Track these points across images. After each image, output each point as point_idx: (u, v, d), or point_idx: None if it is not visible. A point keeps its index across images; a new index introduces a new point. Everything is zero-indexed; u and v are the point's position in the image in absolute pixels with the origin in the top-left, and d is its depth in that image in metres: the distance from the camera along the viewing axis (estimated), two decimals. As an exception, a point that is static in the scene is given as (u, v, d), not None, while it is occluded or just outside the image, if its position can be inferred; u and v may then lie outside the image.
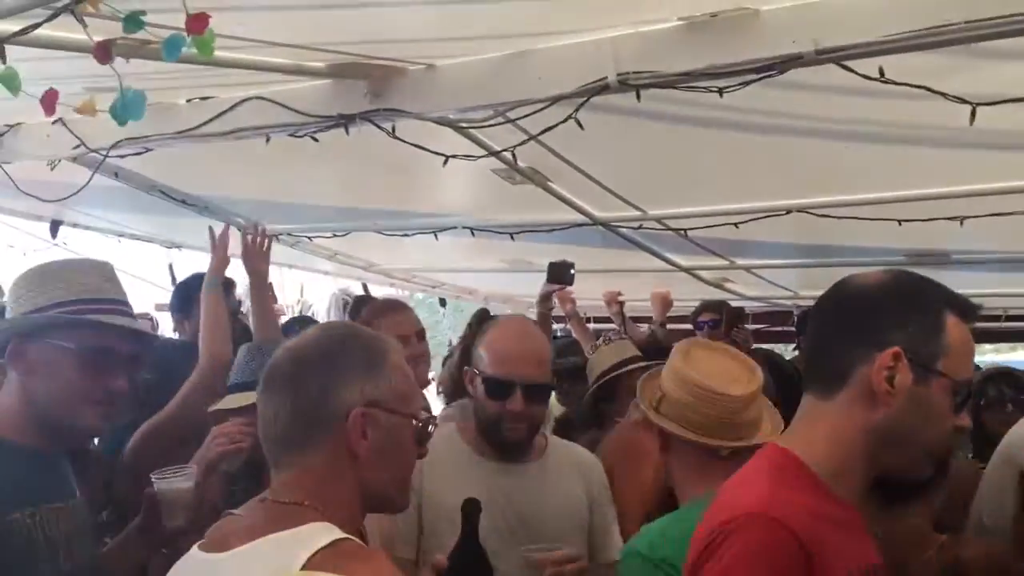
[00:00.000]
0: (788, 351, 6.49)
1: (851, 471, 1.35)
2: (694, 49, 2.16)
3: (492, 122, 2.59)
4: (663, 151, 3.19)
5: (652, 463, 2.40)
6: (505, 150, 2.90)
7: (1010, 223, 3.35)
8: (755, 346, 5.24)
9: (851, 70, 2.03)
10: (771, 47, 2.06)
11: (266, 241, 3.52)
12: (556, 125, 2.45)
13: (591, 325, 6.00)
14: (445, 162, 2.77)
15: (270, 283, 6.62)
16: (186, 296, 3.95)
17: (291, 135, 2.76)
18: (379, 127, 2.64)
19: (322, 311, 6.91)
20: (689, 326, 5.33)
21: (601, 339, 3.88)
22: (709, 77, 2.16)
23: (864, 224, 3.59)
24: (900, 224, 3.54)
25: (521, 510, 2.24)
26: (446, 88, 2.53)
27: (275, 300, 6.71)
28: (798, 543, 1.22)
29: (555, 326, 5.18)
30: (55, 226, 4.66)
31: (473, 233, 4.33)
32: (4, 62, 1.90)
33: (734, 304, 5.56)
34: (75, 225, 4.83)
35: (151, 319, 5.90)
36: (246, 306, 3.81)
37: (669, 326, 5.35)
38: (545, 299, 4.21)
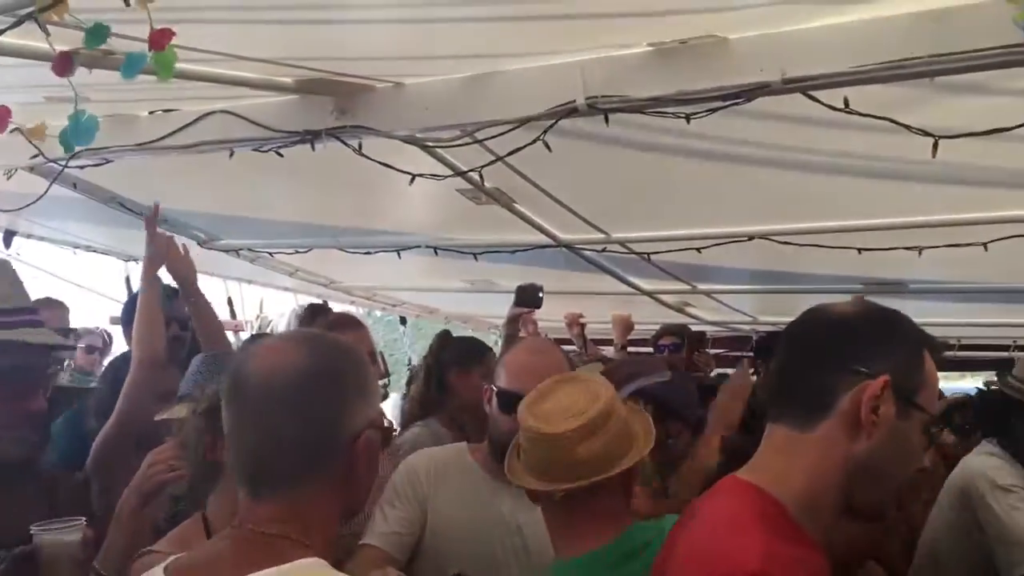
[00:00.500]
0: (747, 376, 6.53)
1: (824, 507, 1.31)
2: (663, 75, 2.18)
3: (459, 142, 2.59)
4: (629, 175, 3.21)
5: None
6: (472, 170, 2.90)
7: (965, 254, 3.40)
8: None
9: (817, 100, 2.05)
10: (739, 75, 2.08)
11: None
12: (524, 147, 2.45)
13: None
14: (411, 181, 2.75)
15: (229, 298, 6.59)
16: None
17: (255, 150, 2.73)
18: (345, 144, 2.62)
19: (282, 327, 6.83)
20: (650, 349, 5.35)
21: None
22: (677, 103, 2.18)
23: (824, 252, 3.64)
24: (860, 252, 3.59)
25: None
26: (414, 106, 2.52)
27: (234, 316, 6.66)
28: None
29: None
30: (9, 236, 4.55)
31: (436, 252, 4.32)
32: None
33: (694, 328, 5.60)
34: (30, 236, 4.74)
35: (103, 333, 5.78)
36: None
37: (630, 349, 5.37)
38: (512, 321, 4.21)
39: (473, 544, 2.21)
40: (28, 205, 3.19)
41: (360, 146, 2.65)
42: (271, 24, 2.17)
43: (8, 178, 3.15)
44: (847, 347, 1.31)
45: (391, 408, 4.87)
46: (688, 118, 2.19)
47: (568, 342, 5.79)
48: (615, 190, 3.45)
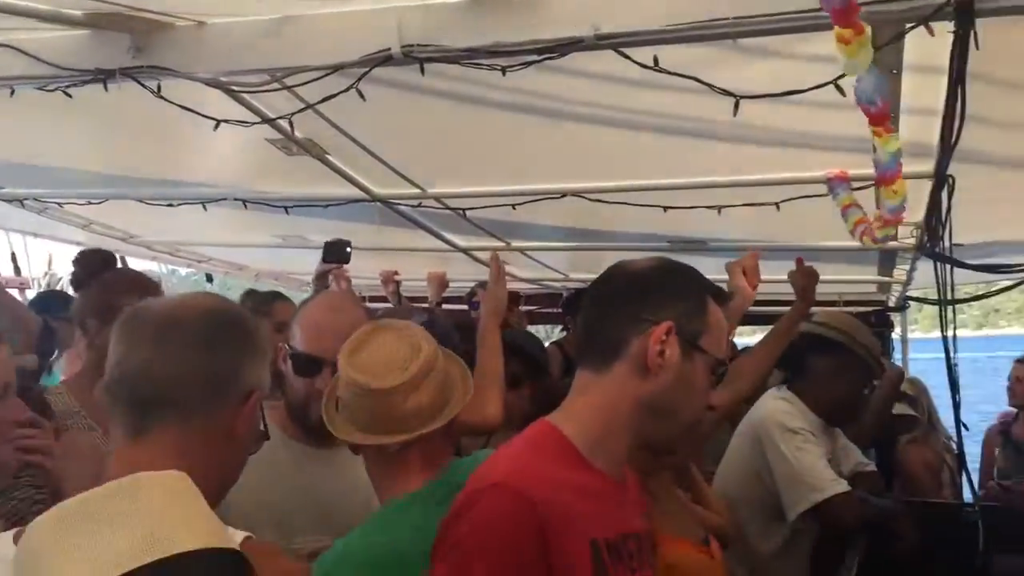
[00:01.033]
0: (556, 332, 6.70)
1: (613, 442, 1.42)
2: (480, 26, 2.16)
3: (267, 87, 2.47)
4: (445, 129, 3.18)
5: None
6: (280, 118, 2.78)
7: (760, 214, 3.60)
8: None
9: (628, 57, 2.10)
10: (554, 29, 2.09)
11: None
12: (336, 95, 2.37)
13: (366, 305, 5.92)
14: (216, 127, 2.61)
15: (13, 253, 6.08)
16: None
17: (40, 89, 2.51)
18: (143, 85, 2.44)
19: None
20: (464, 306, 5.38)
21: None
22: (493, 55, 2.17)
23: (632, 210, 3.76)
24: (665, 211, 3.73)
25: (326, 497, 2.12)
26: (218, 48, 2.38)
27: (18, 272, 6.16)
28: (535, 511, 1.26)
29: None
30: None
31: (245, 205, 4.14)
32: None
33: (509, 286, 5.66)
34: None
35: None
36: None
37: (445, 306, 5.37)
38: (321, 277, 4.11)
39: (269, 510, 2.06)
40: None
41: (159, 88, 2.48)
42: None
43: None
44: (638, 297, 1.44)
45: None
46: (504, 70, 2.19)
47: (383, 299, 5.74)
48: (431, 144, 3.42)
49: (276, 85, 2.44)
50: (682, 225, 4.10)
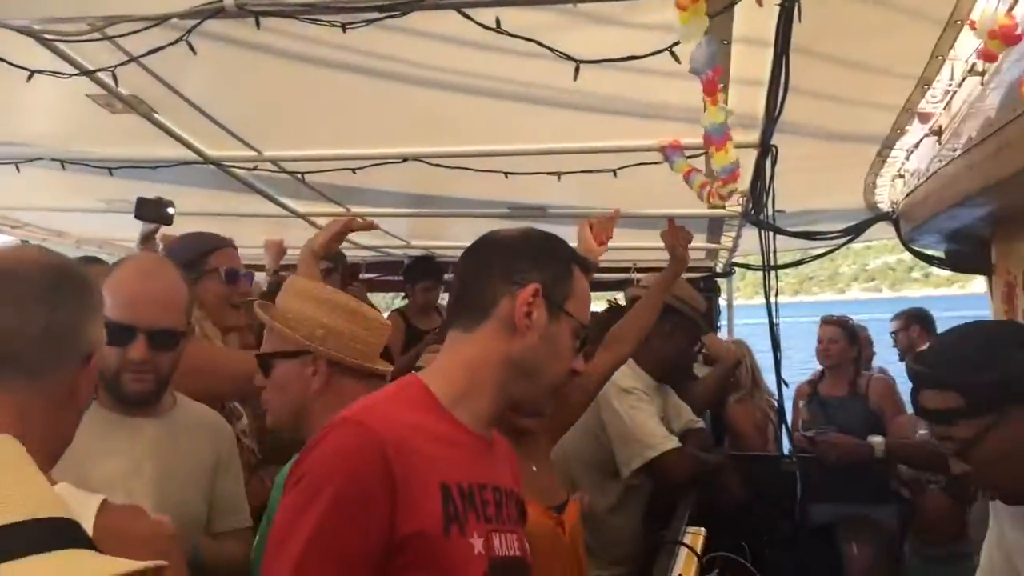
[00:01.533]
0: (397, 301, 6.63)
1: (477, 397, 1.46)
2: (319, -20, 2.09)
3: (87, 37, 2.32)
4: (282, 89, 3.08)
5: None
6: (101, 70, 2.61)
7: (598, 180, 3.68)
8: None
9: (470, 18, 2.09)
10: (396, -13, 2.05)
11: None
12: (163, 47, 2.25)
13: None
14: (29, 78, 2.42)
15: None
16: None
17: None
18: (-57, 30, 2.24)
19: None
20: (303, 274, 5.24)
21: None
22: (333, 11, 2.11)
23: (474, 176, 3.76)
24: (507, 177, 3.75)
25: (142, 468, 2.03)
26: (31, -8, 2.22)
27: None
28: (380, 444, 1.30)
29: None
30: None
31: (64, 166, 3.88)
32: None
33: (348, 253, 5.57)
34: None
35: None
36: None
37: (282, 274, 5.23)
38: (146, 240, 3.89)
39: (82, 482, 2.00)
40: None
41: (-37, 34, 2.28)
42: None
43: None
44: (507, 262, 1.50)
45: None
46: (344, 27, 2.13)
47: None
48: (268, 104, 3.30)
49: (97, 35, 2.29)
50: (523, 191, 4.14)
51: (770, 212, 3.58)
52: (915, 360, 1.72)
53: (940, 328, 3.72)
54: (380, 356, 2.13)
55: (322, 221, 5.26)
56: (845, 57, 2.60)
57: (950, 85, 2.76)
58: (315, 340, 2.00)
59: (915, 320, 5.22)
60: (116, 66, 2.50)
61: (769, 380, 4.75)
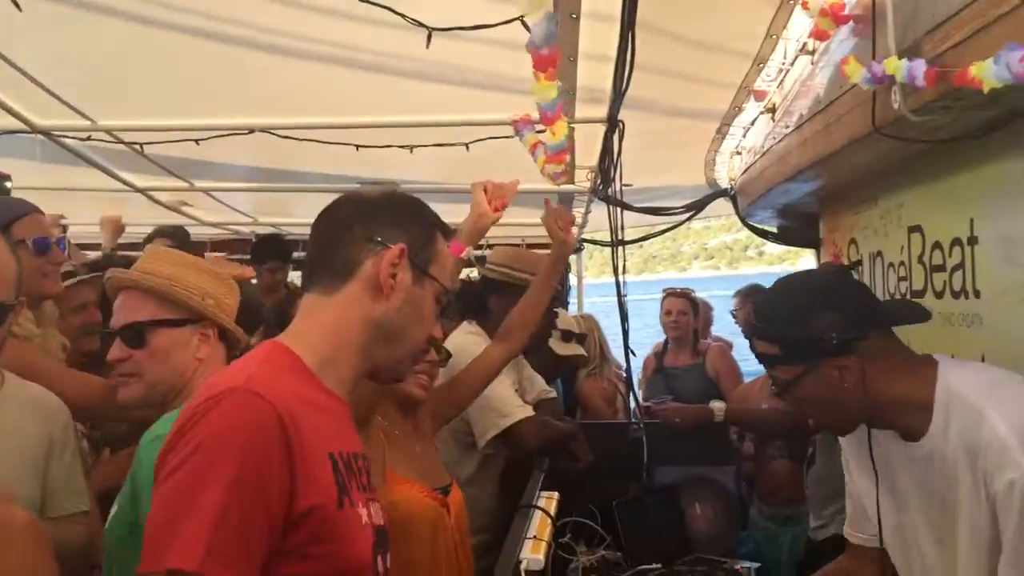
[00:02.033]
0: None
1: (343, 362, 1.43)
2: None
3: None
4: (119, 54, 2.93)
5: None
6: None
7: (451, 155, 3.69)
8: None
9: (321, -17, 2.05)
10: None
11: None
12: (-15, 3, 2.10)
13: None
14: None
15: None
16: None
17: None
18: None
19: None
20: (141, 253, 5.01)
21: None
22: (175, -30, 2.02)
23: (323, 149, 3.70)
24: (358, 150, 3.71)
25: None
26: None
27: None
28: (277, 415, 1.24)
29: None
30: None
31: None
32: None
33: (192, 230, 5.37)
34: None
35: None
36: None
37: (121, 254, 4.98)
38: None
39: None
40: None
41: None
42: None
43: None
44: (371, 222, 1.45)
45: None
46: (189, -12, 2.05)
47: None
48: (103, 70, 3.13)
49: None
50: (374, 165, 4.10)
51: (617, 187, 3.69)
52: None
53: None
54: None
55: (164, 196, 5.05)
56: (688, 35, 2.70)
57: (783, 64, 2.92)
58: (207, 308, 2.01)
59: (753, 297, 5.51)
60: (-69, 23, 2.33)
61: (618, 353, 4.91)
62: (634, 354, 3.80)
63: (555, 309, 3.56)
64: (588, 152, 3.95)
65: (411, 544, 1.98)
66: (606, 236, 4.10)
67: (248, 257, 5.97)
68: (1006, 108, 2.02)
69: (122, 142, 3.81)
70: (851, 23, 2.23)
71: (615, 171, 3.57)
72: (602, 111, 3.20)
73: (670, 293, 4.98)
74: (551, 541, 2.26)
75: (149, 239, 4.95)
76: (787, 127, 3.17)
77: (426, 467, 2.29)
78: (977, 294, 2.63)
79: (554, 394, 3.67)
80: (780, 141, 3.25)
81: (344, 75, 3.01)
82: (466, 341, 3.18)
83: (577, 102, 3.10)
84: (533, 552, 2.03)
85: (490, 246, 5.77)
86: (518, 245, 5.96)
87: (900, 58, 1.78)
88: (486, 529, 2.98)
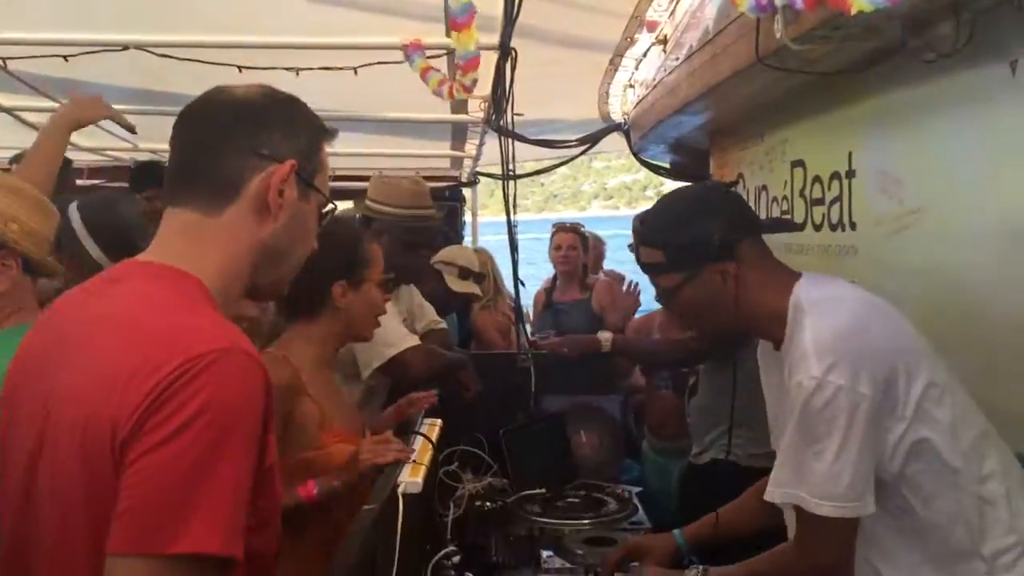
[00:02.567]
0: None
1: (234, 291, 1.33)
2: None
3: None
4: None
5: None
6: None
7: (340, 80, 3.57)
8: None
9: None
10: None
11: None
12: None
13: None
14: None
15: None
16: None
17: None
18: None
19: None
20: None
21: None
22: None
23: (204, 69, 3.52)
24: (240, 71, 3.55)
25: None
26: None
27: None
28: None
29: None
30: None
31: None
32: None
33: (67, 155, 5.09)
34: None
35: None
36: None
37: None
38: None
39: None
40: None
41: None
42: None
43: None
44: (254, 132, 1.30)
45: None
46: None
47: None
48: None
49: None
50: (260, 89, 3.94)
51: (510, 119, 3.64)
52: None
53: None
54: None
55: (32, 117, 4.77)
56: (579, -41, 2.67)
57: (675, -6, 2.92)
58: (9, 237, 1.87)
59: None
60: None
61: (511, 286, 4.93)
62: (523, 284, 3.80)
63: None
64: (481, 83, 3.89)
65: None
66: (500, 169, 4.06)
67: (127, 185, 5.73)
68: (883, 41, 2.07)
69: (-16, 57, 3.56)
70: (739, -49, 2.23)
71: (508, 102, 3.52)
72: (493, 38, 3.13)
73: (559, 228, 4.99)
74: (432, 466, 2.25)
75: (15, 160, 4.69)
76: (677, 59, 3.18)
77: (349, 411, 2.36)
78: (853, 226, 2.72)
79: (444, 325, 3.65)
80: (670, 73, 3.26)
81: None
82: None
83: (470, 29, 3.03)
84: (412, 476, 2.01)
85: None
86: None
87: (783, -16, 1.79)
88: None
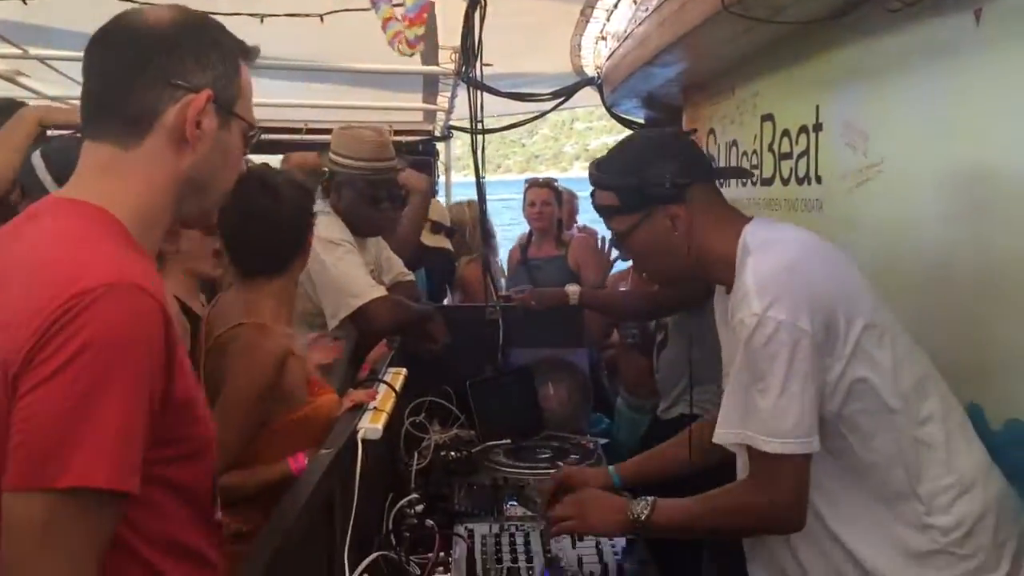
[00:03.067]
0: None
1: (157, 222, 1.29)
2: None
3: None
4: None
5: None
6: None
7: (307, 27, 3.52)
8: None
9: None
10: None
11: None
12: None
13: None
14: None
15: None
16: None
17: None
18: None
19: None
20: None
21: None
22: None
23: (167, 14, 3.45)
24: (205, 17, 3.48)
25: None
26: None
27: None
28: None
29: None
30: None
31: None
32: None
33: (32, 103, 5.00)
34: None
35: None
36: None
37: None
38: None
39: None
40: None
41: None
42: None
43: None
44: (166, 60, 1.25)
45: None
46: None
47: None
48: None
49: None
50: (225, 37, 3.87)
51: (478, 70, 3.59)
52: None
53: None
54: None
55: (-5, 65, 4.68)
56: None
57: (644, -60, 2.88)
58: None
59: None
60: None
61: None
62: (493, 236, 3.77)
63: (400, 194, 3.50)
64: (452, 33, 3.84)
65: None
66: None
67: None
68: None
69: (-62, -1, 3.48)
70: None
71: (478, 53, 3.47)
72: (463, -15, 3.09)
73: (532, 184, 4.95)
74: (394, 413, 2.25)
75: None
76: (647, 10, 3.15)
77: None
78: (819, 180, 2.72)
79: (411, 277, 3.63)
80: (640, 24, 3.23)
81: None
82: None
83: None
84: (372, 422, 2.01)
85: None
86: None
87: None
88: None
